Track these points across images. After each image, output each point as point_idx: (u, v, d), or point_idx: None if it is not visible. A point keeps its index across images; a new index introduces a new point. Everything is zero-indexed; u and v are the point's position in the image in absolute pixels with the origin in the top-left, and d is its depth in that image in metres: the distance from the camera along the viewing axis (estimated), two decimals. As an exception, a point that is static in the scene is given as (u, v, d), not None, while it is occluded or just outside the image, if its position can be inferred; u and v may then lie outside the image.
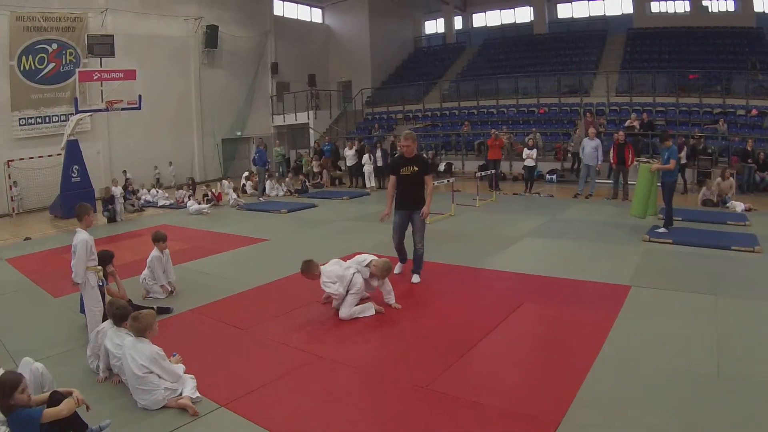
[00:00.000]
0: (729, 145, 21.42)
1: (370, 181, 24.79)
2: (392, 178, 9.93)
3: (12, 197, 23.12)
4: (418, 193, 9.61)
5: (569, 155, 23.35)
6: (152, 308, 7.96)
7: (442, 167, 26.96)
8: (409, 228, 9.98)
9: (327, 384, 6.27)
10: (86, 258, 7.44)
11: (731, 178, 17.67)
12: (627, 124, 23.51)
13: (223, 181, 22.91)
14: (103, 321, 7.12)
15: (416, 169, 9.57)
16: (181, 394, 5.91)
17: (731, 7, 31.93)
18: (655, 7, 34.42)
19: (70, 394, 5.05)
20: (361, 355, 7.08)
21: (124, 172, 23.76)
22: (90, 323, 7.52)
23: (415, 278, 9.96)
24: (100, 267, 7.74)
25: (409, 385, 6.12)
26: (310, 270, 8.52)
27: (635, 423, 5.17)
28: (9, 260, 13.97)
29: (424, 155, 10.14)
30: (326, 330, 7.94)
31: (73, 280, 7.48)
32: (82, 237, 7.50)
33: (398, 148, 10.09)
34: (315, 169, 27.25)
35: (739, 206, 16.30)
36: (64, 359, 7.10)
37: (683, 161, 18.96)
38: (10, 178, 23.25)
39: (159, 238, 10.01)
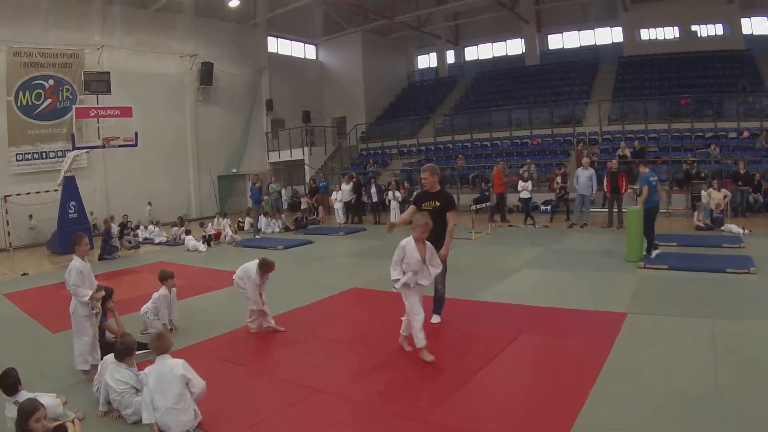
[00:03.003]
0: (722, 168, 21.51)
1: (339, 216, 25.14)
2: (413, 207, 9.41)
3: (30, 227, 23.63)
4: (438, 229, 8.70)
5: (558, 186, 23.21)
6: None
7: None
8: None
9: (326, 417, 6.26)
10: (80, 282, 7.56)
11: (724, 189, 17.79)
12: (619, 153, 23.63)
13: (219, 218, 22.89)
14: (102, 355, 7.17)
15: (438, 204, 9.08)
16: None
17: (720, 31, 32.38)
18: (644, 35, 34.82)
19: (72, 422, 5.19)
20: (359, 388, 7.06)
21: (125, 216, 23.72)
22: (79, 350, 7.70)
23: (435, 318, 9.52)
24: (97, 298, 7.78)
25: (408, 417, 6.12)
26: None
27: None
28: (7, 295, 13.99)
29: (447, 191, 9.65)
30: (324, 364, 7.93)
31: (80, 301, 7.62)
32: (72, 264, 7.66)
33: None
34: (302, 206, 27.30)
35: (734, 228, 16.40)
36: (62, 394, 7.06)
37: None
38: (7, 213, 23.34)
39: (166, 276, 9.99)
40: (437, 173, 9.40)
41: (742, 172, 19.66)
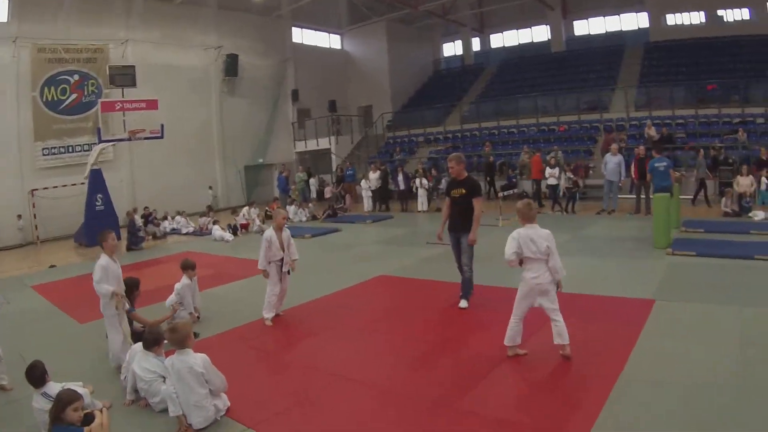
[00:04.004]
0: (749, 154, 21.27)
1: (367, 204, 25.65)
2: (447, 199, 9.96)
3: (19, 228, 23.68)
4: (465, 215, 9.43)
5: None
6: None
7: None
8: None
9: (352, 404, 6.36)
10: (104, 280, 7.64)
11: (751, 176, 17.65)
12: (646, 131, 23.58)
13: (248, 208, 23.00)
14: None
15: (464, 191, 9.50)
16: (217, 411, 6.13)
17: (746, 16, 31.82)
18: (671, 20, 34.36)
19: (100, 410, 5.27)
20: (385, 375, 7.15)
21: (146, 208, 23.89)
22: (111, 349, 7.82)
23: (463, 303, 9.75)
24: (121, 294, 7.89)
25: (434, 404, 6.18)
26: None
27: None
28: (34, 287, 14.26)
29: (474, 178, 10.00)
30: (351, 351, 8.02)
31: (102, 298, 7.74)
32: (99, 262, 7.75)
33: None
34: (327, 195, 27.42)
35: (760, 215, 16.24)
36: (89, 383, 7.16)
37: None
38: (34, 207, 23.68)
39: (188, 266, 10.12)
40: (463, 161, 9.81)
41: (764, 158, 19.39)
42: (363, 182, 26.08)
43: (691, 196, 20.38)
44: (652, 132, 23.38)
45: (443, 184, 22.77)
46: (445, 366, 7.27)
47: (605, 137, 24.96)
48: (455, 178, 9.78)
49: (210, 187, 31.07)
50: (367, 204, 25.61)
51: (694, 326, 7.89)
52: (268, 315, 9.64)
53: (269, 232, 9.67)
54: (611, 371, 6.55)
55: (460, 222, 9.50)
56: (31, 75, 24.27)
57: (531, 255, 6.94)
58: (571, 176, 21.16)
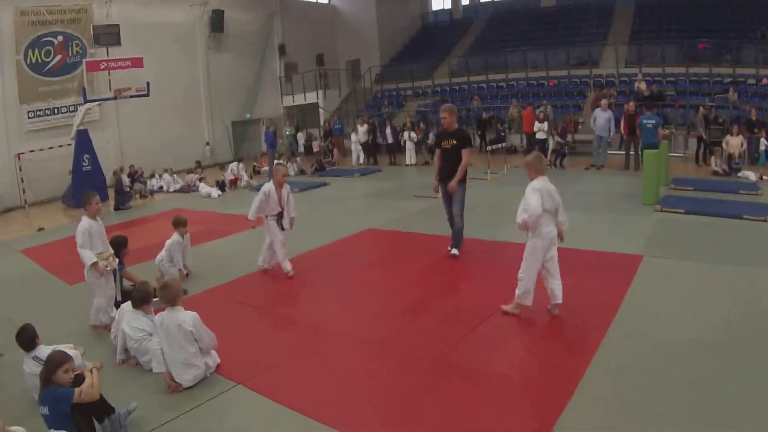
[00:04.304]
0: (740, 114, 21.24)
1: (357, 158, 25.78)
2: (437, 150, 10.06)
3: None
4: (456, 166, 9.57)
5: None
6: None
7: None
8: None
9: (343, 360, 6.38)
10: (86, 244, 7.63)
11: (741, 136, 17.65)
12: (636, 86, 23.62)
13: (237, 163, 22.87)
14: (120, 303, 7.26)
15: (455, 142, 9.65)
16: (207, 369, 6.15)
17: (740, -24, 31.44)
18: (663, -23, 33.96)
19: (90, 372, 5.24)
20: (375, 329, 7.18)
21: (131, 166, 23.74)
22: (92, 309, 7.83)
23: (454, 251, 10.00)
24: (108, 253, 7.87)
25: (423, 357, 6.22)
26: None
27: (647, 393, 5.23)
28: (23, 251, 14.12)
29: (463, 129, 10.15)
30: (340, 306, 8.06)
31: (86, 264, 7.68)
32: (81, 224, 7.75)
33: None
34: (315, 150, 27.34)
35: (750, 175, 16.26)
36: (79, 345, 7.13)
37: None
38: (21, 170, 23.36)
39: (180, 223, 10.13)
40: (455, 113, 9.92)
41: (754, 119, 19.41)
42: (353, 135, 26.00)
43: (681, 154, 20.42)
44: (642, 86, 23.34)
45: (431, 138, 22.76)
46: (436, 319, 7.30)
47: (596, 93, 24.90)
48: (446, 129, 9.88)
49: (207, 143, 30.83)
50: (360, 157, 25.58)
51: (682, 283, 7.96)
52: (285, 267, 9.75)
53: (268, 185, 9.62)
54: (600, 325, 6.63)
55: (452, 173, 9.59)
56: (14, 38, 23.77)
57: (548, 208, 6.88)
58: (559, 140, 21.10)
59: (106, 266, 7.76)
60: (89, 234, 7.67)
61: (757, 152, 18.79)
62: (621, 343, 6.18)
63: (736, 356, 5.79)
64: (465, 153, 9.62)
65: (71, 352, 5.74)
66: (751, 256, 9.11)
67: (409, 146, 24.00)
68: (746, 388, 5.19)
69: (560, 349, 6.21)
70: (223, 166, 24.27)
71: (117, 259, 8.21)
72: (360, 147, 25.70)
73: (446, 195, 9.87)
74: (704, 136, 19.52)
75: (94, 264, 7.60)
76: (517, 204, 6.94)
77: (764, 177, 16.15)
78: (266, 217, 9.64)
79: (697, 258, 9.06)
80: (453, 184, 9.52)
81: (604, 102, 19.89)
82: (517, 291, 7.07)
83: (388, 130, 25.09)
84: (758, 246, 9.72)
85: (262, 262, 10.05)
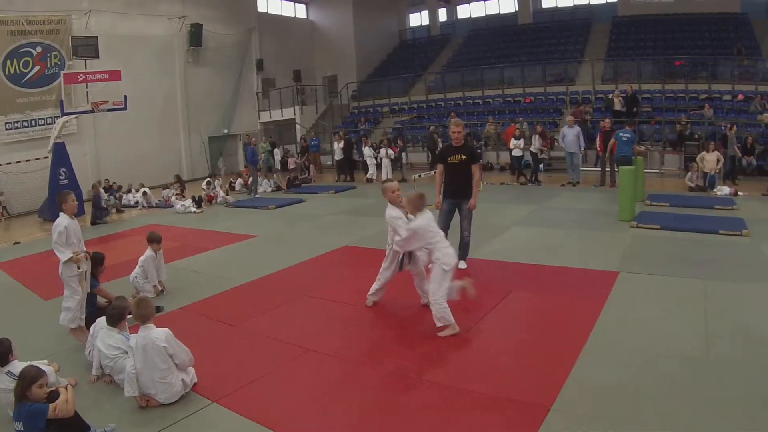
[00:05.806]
0: (716, 130, 21.42)
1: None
2: (440, 166, 9.91)
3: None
4: (465, 182, 9.54)
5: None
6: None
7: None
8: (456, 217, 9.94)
9: (317, 377, 6.30)
10: (63, 241, 7.52)
11: (717, 152, 17.73)
12: (611, 96, 23.92)
13: (215, 179, 22.74)
14: (95, 319, 7.14)
15: (464, 157, 9.54)
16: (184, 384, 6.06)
17: (715, -6, 31.85)
18: (639, -5, 34.35)
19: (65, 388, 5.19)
20: (350, 347, 7.10)
21: (106, 180, 23.57)
22: (63, 311, 7.66)
23: (462, 264, 9.72)
24: (82, 254, 7.75)
25: (399, 375, 6.17)
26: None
27: (625, 407, 5.20)
28: (-1, 264, 13.90)
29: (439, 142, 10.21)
30: (315, 323, 7.96)
31: (61, 260, 7.54)
32: (58, 221, 7.66)
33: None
34: (290, 166, 27.24)
35: (724, 190, 16.41)
36: (53, 362, 7.03)
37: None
38: (-2, 182, 23.09)
39: (154, 239, 10.00)
40: (463, 127, 9.92)
41: (728, 134, 19.44)
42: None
43: (657, 170, 20.59)
44: (617, 100, 23.60)
45: (403, 158, 22.99)
46: (410, 337, 7.23)
47: (572, 110, 25.08)
48: (452, 144, 9.80)
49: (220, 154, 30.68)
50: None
51: (659, 299, 7.95)
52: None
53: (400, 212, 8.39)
54: (576, 342, 6.60)
55: (462, 189, 9.59)
56: (-8, 48, 23.66)
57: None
58: (541, 143, 21.15)
59: (83, 259, 7.66)
60: (66, 232, 7.57)
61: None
62: (598, 358, 6.16)
63: (713, 368, 5.81)
64: (476, 169, 9.58)
65: (46, 368, 5.64)
66: (726, 270, 9.15)
67: (386, 163, 23.84)
68: (724, 399, 5.19)
69: (536, 366, 6.16)
70: (210, 182, 24.18)
71: (89, 261, 8.08)
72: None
73: (452, 211, 9.83)
74: (739, 154, 19.51)
75: (70, 258, 7.48)
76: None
77: (739, 192, 16.27)
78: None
79: (672, 273, 9.07)
80: (473, 202, 9.53)
81: (569, 119, 20.04)
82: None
83: (366, 148, 25.06)
84: (733, 260, 9.77)
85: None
